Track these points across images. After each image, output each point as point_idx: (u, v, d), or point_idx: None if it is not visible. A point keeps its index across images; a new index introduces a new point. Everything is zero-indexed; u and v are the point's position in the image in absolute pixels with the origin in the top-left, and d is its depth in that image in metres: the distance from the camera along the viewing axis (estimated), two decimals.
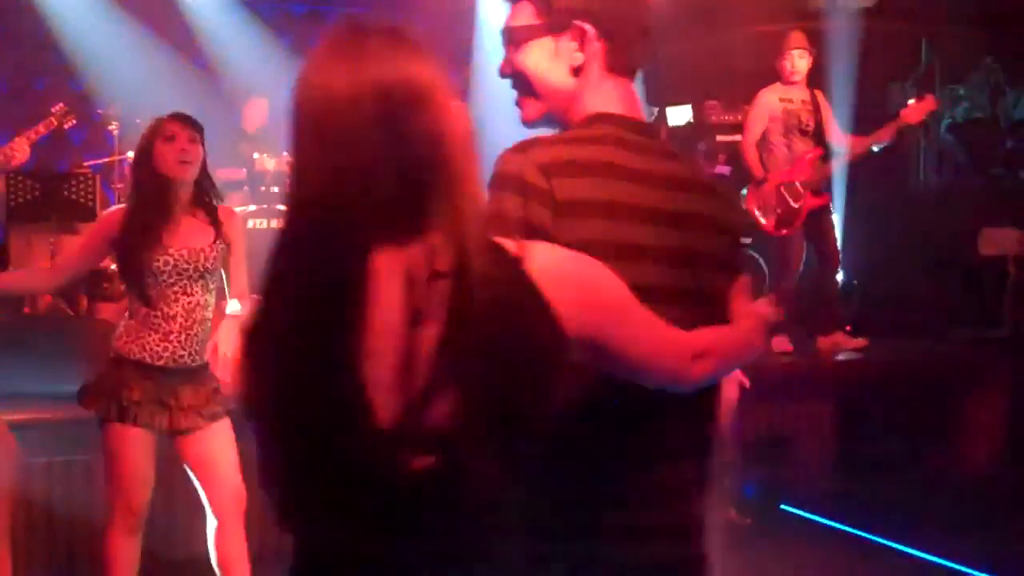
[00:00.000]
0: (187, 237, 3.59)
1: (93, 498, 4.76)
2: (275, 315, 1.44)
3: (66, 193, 6.98)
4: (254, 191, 8.11)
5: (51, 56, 8.97)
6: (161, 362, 3.57)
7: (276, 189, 8.15)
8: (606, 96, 1.92)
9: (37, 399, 4.62)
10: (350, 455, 1.41)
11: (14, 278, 4.64)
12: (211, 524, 3.76)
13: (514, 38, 1.94)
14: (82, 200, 7.02)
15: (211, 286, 3.67)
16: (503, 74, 1.98)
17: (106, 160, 8.30)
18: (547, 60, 1.92)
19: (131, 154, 8.08)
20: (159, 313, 3.57)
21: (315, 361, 1.40)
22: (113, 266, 7.47)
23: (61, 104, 7.13)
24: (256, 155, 8.26)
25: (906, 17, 8.75)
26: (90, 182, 7.08)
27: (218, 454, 3.70)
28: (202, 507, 3.80)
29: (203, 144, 3.65)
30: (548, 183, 1.73)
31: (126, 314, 3.70)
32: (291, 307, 1.42)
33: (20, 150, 6.62)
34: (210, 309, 3.69)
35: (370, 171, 1.40)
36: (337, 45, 1.45)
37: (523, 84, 1.95)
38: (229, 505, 3.71)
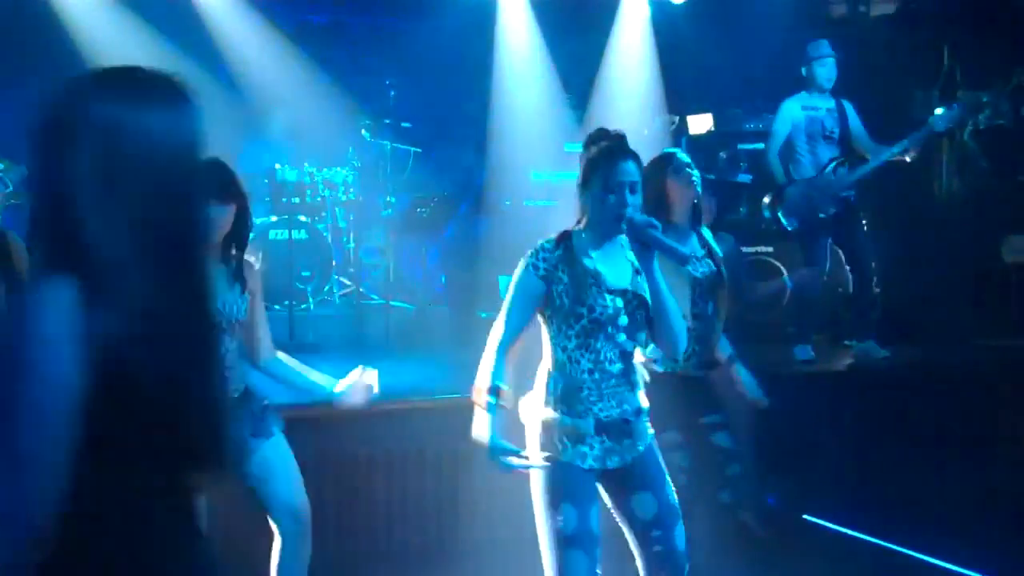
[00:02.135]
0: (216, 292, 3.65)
1: None
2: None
3: None
4: (275, 201, 8.10)
5: (74, 68, 9.03)
6: None
7: (297, 200, 8.15)
8: None
9: None
10: None
11: None
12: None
13: None
14: None
15: (236, 335, 3.72)
16: None
17: None
18: None
19: None
20: None
21: None
22: None
23: None
24: (278, 165, 8.25)
25: (928, 24, 8.70)
26: None
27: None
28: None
29: (238, 196, 3.65)
30: None
31: None
32: None
33: None
34: (235, 356, 3.73)
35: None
36: None
37: None
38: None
